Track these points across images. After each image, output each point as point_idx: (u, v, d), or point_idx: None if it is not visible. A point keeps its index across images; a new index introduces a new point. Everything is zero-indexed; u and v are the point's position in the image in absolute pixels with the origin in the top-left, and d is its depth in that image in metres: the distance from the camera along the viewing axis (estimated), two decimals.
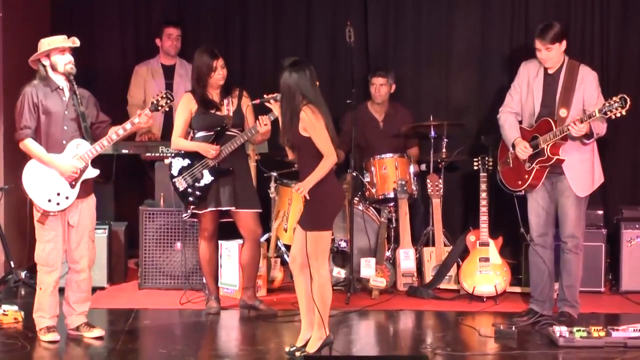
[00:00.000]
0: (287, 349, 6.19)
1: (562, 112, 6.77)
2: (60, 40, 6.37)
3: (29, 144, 6.33)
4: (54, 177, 6.32)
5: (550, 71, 6.87)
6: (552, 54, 6.80)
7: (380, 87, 8.44)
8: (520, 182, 6.94)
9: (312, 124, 5.87)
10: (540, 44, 6.79)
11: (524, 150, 6.83)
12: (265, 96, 6.32)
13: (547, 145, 6.74)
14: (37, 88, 6.36)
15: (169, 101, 6.49)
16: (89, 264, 6.55)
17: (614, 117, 6.53)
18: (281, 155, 7.49)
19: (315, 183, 5.89)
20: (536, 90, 6.89)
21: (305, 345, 6.10)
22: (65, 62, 6.37)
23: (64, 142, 6.36)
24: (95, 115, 6.53)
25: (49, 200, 6.32)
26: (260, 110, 6.74)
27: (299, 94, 5.90)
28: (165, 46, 8.67)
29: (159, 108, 6.51)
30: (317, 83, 6.00)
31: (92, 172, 6.44)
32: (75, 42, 6.40)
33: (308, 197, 5.90)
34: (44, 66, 6.39)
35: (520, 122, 6.99)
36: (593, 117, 6.55)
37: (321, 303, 6.00)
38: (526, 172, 6.88)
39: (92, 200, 6.54)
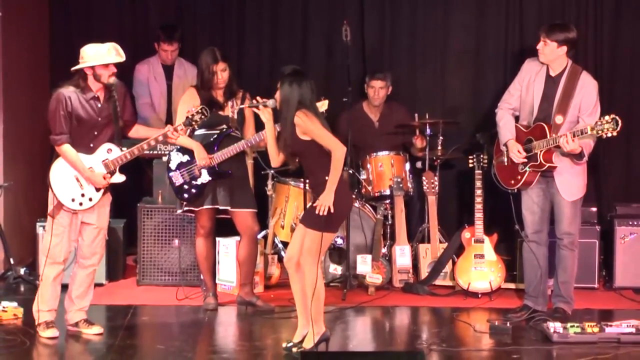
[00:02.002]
0: (284, 345, 6.21)
1: (558, 119, 6.78)
2: (105, 56, 6.27)
3: (67, 150, 6.33)
4: (82, 178, 6.38)
5: (552, 73, 6.87)
6: (546, 49, 6.81)
7: (379, 90, 8.44)
8: (513, 182, 6.97)
9: (309, 126, 5.89)
10: (541, 34, 6.83)
11: (517, 154, 6.86)
12: (254, 101, 6.24)
13: (540, 152, 6.77)
14: (71, 95, 6.31)
15: (203, 116, 6.51)
16: (99, 260, 6.63)
17: (604, 136, 6.55)
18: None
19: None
20: (536, 92, 6.90)
21: (302, 341, 6.12)
22: (109, 74, 6.33)
23: (92, 145, 6.39)
24: (124, 112, 6.53)
25: (73, 200, 6.38)
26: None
27: (297, 102, 5.93)
28: (162, 57, 8.68)
29: (193, 123, 6.52)
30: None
31: (119, 178, 6.48)
32: (120, 54, 6.32)
33: (332, 209, 5.87)
34: (86, 74, 6.33)
35: (518, 119, 7.02)
36: (585, 134, 6.57)
37: (315, 300, 6.01)
38: (519, 174, 6.91)
39: (108, 199, 6.59)
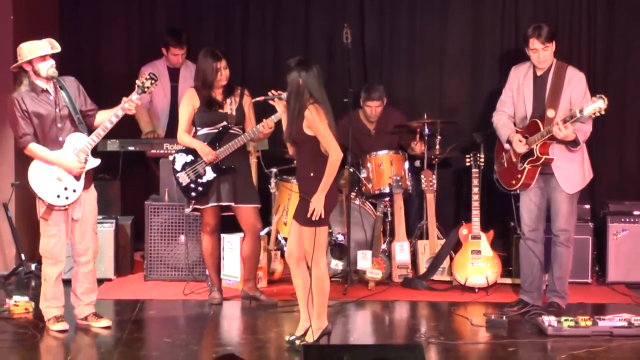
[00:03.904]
0: (287, 338, 6.29)
1: (550, 113, 6.81)
2: (40, 48, 6.34)
3: (34, 148, 6.41)
4: (59, 173, 6.44)
5: (538, 73, 6.93)
6: (547, 53, 6.85)
7: (376, 108, 8.45)
8: (514, 182, 7.00)
9: (316, 124, 5.94)
10: (538, 43, 6.83)
11: (518, 142, 6.88)
12: (269, 93, 6.31)
13: (537, 145, 6.81)
14: (23, 95, 6.38)
15: (153, 82, 6.49)
16: (94, 255, 6.69)
17: (593, 115, 6.60)
18: (281, 151, 7.58)
19: (312, 180, 5.97)
20: (527, 93, 6.95)
21: (304, 335, 6.20)
22: (48, 67, 6.38)
23: (60, 139, 6.45)
24: (83, 103, 6.57)
25: (58, 196, 6.44)
26: (262, 107, 6.83)
27: (307, 92, 5.97)
28: (170, 61, 8.68)
29: (145, 90, 6.50)
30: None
31: (94, 162, 6.54)
32: (55, 47, 6.38)
33: (324, 215, 5.97)
34: (27, 72, 6.40)
35: (514, 125, 7.06)
36: (575, 118, 6.62)
37: (320, 295, 6.10)
38: (519, 172, 6.93)
39: (93, 193, 6.65)
